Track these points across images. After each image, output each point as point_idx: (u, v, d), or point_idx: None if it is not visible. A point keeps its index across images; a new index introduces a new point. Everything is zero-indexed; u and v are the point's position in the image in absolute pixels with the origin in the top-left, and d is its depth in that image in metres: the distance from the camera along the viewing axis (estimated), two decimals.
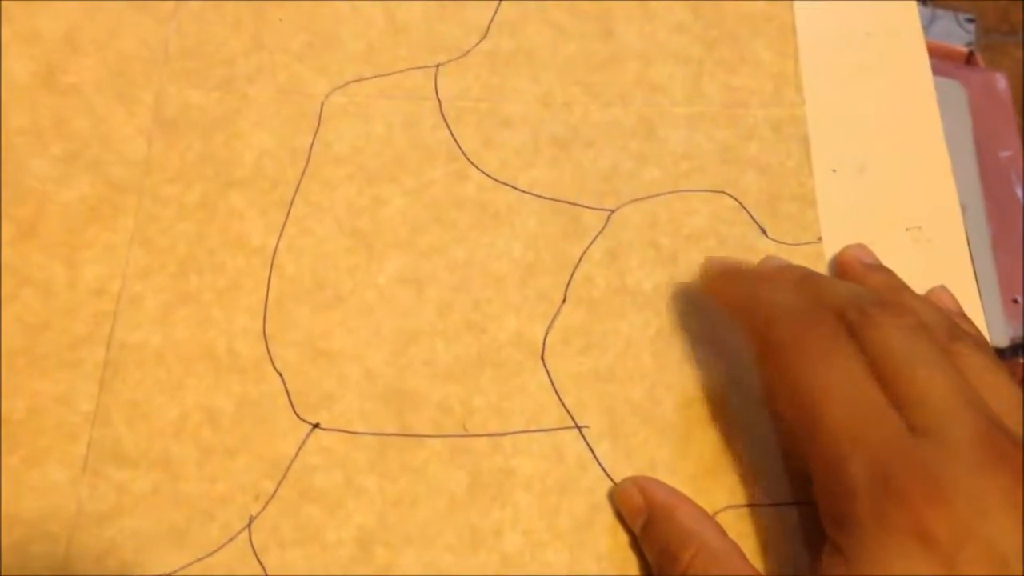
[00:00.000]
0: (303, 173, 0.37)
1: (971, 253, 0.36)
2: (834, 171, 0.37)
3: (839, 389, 0.27)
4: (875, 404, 0.27)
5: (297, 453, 0.32)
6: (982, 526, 0.24)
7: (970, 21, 1.26)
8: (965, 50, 1.10)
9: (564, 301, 0.35)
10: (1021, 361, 0.81)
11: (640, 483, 0.32)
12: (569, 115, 0.38)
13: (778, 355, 0.29)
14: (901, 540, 0.24)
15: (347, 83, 0.38)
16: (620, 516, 0.32)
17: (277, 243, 0.35)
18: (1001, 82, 1.02)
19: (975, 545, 0.24)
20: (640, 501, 0.31)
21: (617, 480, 0.32)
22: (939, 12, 1.26)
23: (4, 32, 0.39)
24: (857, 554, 0.25)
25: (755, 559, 0.31)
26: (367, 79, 0.38)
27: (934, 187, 0.37)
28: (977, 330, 0.32)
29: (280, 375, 0.33)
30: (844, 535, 0.26)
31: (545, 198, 0.36)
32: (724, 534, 0.30)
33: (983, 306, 0.35)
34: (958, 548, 0.24)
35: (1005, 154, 0.97)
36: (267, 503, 0.32)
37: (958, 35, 1.25)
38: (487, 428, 0.33)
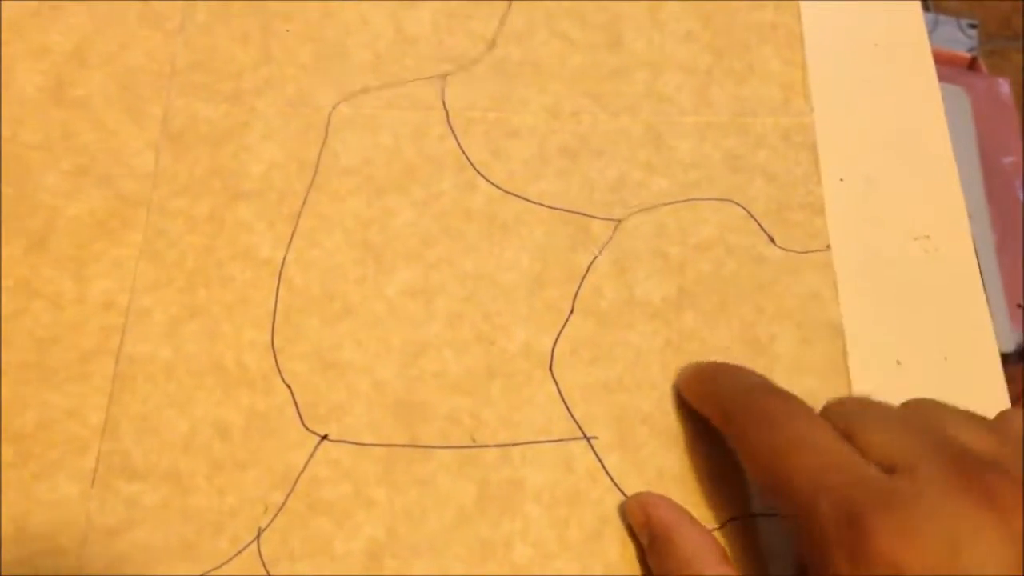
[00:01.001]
0: (311, 185, 0.37)
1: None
2: (842, 180, 0.37)
3: (802, 442, 0.27)
4: (840, 451, 0.27)
5: (306, 465, 0.32)
6: (955, 559, 0.24)
7: (972, 27, 1.26)
8: (968, 56, 1.10)
9: (572, 312, 0.35)
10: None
11: (643, 500, 0.31)
12: (577, 125, 0.38)
13: (739, 427, 0.30)
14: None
15: (354, 94, 0.38)
16: (630, 528, 0.32)
17: (285, 255, 0.35)
18: (1004, 87, 1.02)
19: None
20: (643, 519, 0.31)
21: (626, 491, 0.32)
22: (941, 18, 1.26)
23: (13, 47, 0.39)
24: None
25: (763, 570, 0.31)
26: (374, 90, 0.39)
27: (942, 196, 0.37)
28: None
29: (289, 387, 0.33)
30: (820, 573, 0.25)
31: (553, 208, 0.36)
32: (725, 558, 0.29)
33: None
34: None
35: (1008, 160, 0.97)
36: (276, 515, 0.32)
37: (960, 41, 1.25)
38: (496, 440, 0.33)
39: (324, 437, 0.33)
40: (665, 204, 0.37)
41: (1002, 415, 0.29)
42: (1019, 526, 0.24)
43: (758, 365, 0.34)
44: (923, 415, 0.28)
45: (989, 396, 0.33)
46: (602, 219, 0.36)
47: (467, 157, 0.37)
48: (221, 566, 0.31)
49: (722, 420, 0.31)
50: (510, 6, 0.40)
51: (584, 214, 0.36)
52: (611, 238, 0.36)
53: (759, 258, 0.36)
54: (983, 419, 0.28)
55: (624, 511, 0.32)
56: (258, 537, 0.31)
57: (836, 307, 0.35)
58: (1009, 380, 0.34)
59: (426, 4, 0.40)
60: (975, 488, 0.25)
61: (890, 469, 0.26)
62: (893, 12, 0.41)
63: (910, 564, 0.24)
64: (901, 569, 0.24)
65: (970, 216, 0.37)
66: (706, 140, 0.38)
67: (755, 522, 0.32)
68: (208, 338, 0.34)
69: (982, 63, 1.08)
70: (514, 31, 0.40)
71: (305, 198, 0.36)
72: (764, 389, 0.30)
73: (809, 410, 0.29)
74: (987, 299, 0.36)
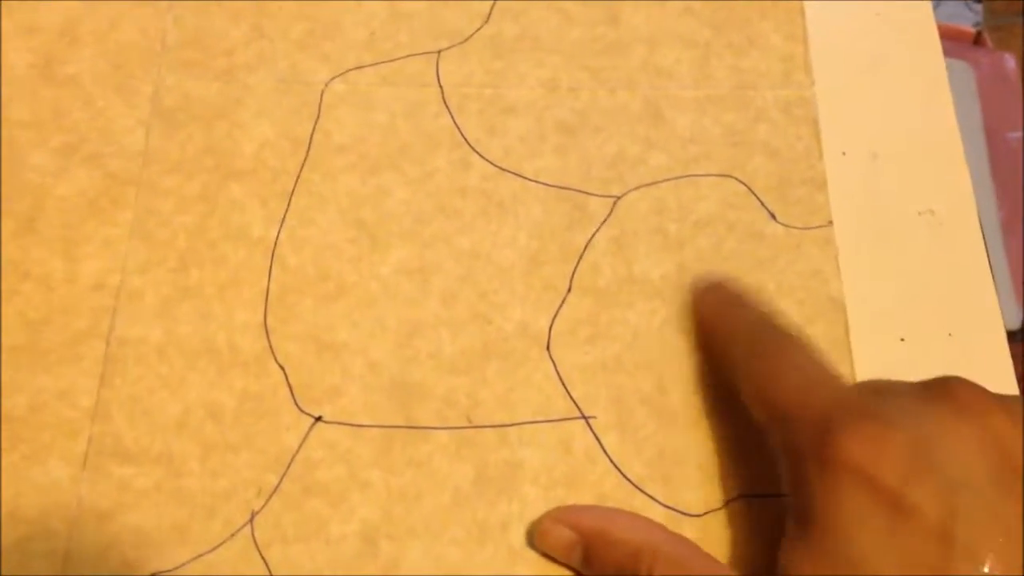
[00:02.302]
0: (304, 163, 0.36)
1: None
2: (844, 154, 0.36)
3: (792, 367, 0.28)
4: (825, 374, 0.28)
5: (300, 447, 0.32)
6: (924, 460, 0.23)
7: (977, 1, 1.25)
8: (973, 31, 1.09)
9: (570, 290, 0.34)
10: None
11: (559, 516, 0.30)
12: (574, 101, 0.37)
13: (739, 356, 0.30)
14: (846, 485, 0.24)
15: (348, 71, 0.38)
16: (629, 507, 0.31)
17: (278, 234, 0.35)
18: (1009, 63, 1.01)
19: (921, 479, 0.23)
20: (568, 535, 0.29)
21: (626, 472, 0.32)
22: None
23: (4, 24, 0.38)
24: (810, 513, 0.25)
25: (764, 549, 0.30)
26: (368, 66, 0.38)
27: (946, 170, 0.36)
28: None
29: (282, 368, 0.33)
30: (799, 498, 0.25)
31: (550, 185, 0.36)
32: (670, 532, 0.29)
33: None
34: (903, 483, 0.23)
35: (1014, 135, 0.96)
36: (270, 498, 0.31)
37: (965, 16, 1.24)
38: (493, 420, 0.32)
39: (318, 419, 0.32)
40: (664, 180, 0.36)
41: None
42: (992, 428, 0.24)
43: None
44: None
45: (995, 373, 0.33)
46: (600, 196, 0.36)
47: (462, 134, 0.37)
48: (214, 549, 0.31)
49: (723, 354, 0.31)
50: None
51: (582, 191, 0.36)
52: (609, 215, 0.35)
53: (760, 234, 0.35)
54: None
55: (538, 539, 0.30)
56: (251, 520, 0.31)
57: (838, 283, 0.34)
58: (1013, 357, 0.34)
59: None
60: (942, 396, 0.25)
61: (871, 389, 0.26)
62: None
63: (877, 467, 0.24)
64: (868, 472, 0.24)
65: (975, 192, 0.36)
66: (706, 115, 0.37)
67: (756, 503, 0.31)
68: (200, 319, 0.34)
69: (987, 38, 1.07)
70: (510, 5, 0.39)
71: (298, 176, 0.36)
72: (769, 324, 0.31)
73: (806, 344, 0.29)
74: (993, 276, 0.35)
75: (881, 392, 0.26)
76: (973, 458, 0.24)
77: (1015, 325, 0.83)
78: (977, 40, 1.06)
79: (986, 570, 0.22)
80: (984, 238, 0.35)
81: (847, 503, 0.24)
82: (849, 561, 0.23)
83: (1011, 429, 0.24)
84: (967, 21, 1.21)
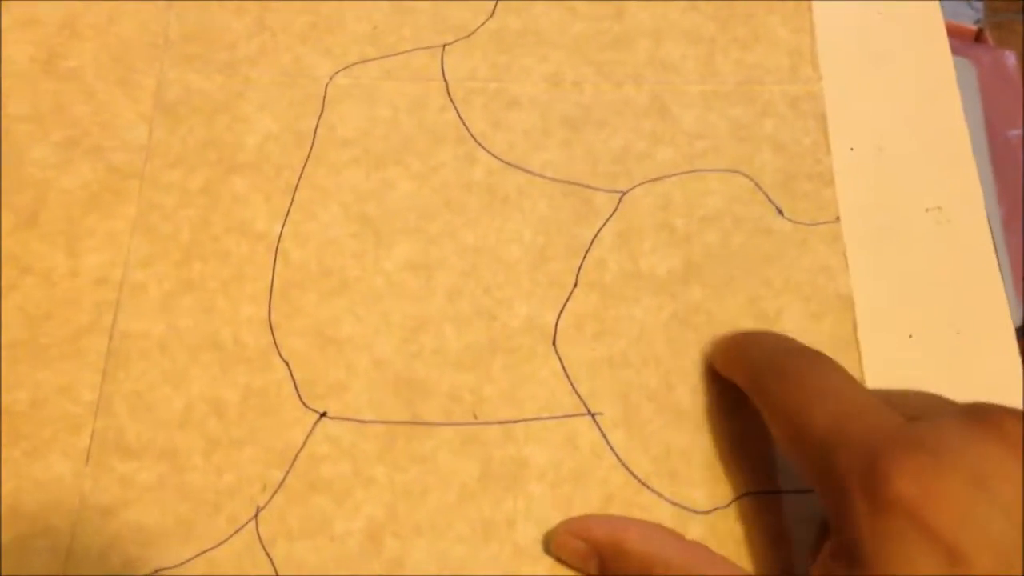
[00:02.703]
0: (308, 157, 0.36)
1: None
2: (852, 149, 0.36)
3: (823, 393, 0.27)
4: (860, 399, 0.26)
5: (304, 443, 0.32)
6: (979, 500, 0.23)
7: None
8: (974, 28, 1.09)
9: (576, 286, 0.34)
10: None
11: (573, 528, 0.30)
12: (580, 95, 0.37)
13: (763, 386, 0.29)
14: (899, 527, 0.23)
15: (351, 65, 0.37)
16: (635, 505, 0.31)
17: (282, 229, 0.35)
18: (1010, 60, 1.01)
19: (975, 525, 0.22)
20: (583, 547, 0.29)
21: (633, 469, 0.31)
22: None
23: (4, 18, 0.38)
24: (856, 550, 0.24)
25: (772, 546, 0.30)
26: (372, 60, 0.38)
27: (954, 166, 0.36)
28: None
29: (286, 364, 0.33)
30: (843, 532, 0.25)
31: (556, 180, 0.36)
32: (681, 539, 0.29)
33: None
34: (959, 529, 0.22)
35: (1014, 133, 0.96)
36: (274, 494, 0.31)
37: (966, 13, 1.23)
38: (498, 416, 0.32)
39: (323, 414, 0.32)
40: (671, 175, 0.36)
41: None
42: None
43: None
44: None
45: (1003, 370, 0.33)
46: (606, 191, 0.35)
47: (467, 128, 0.36)
48: (218, 545, 0.30)
49: (749, 382, 0.30)
50: None
51: (587, 186, 0.36)
52: (615, 210, 0.35)
53: (767, 230, 0.35)
54: None
55: (555, 549, 0.30)
56: (256, 516, 0.31)
57: (846, 280, 0.34)
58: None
59: None
60: (994, 430, 0.24)
61: (912, 415, 0.25)
62: None
63: (933, 507, 0.23)
64: (924, 513, 0.23)
65: None
66: (712, 109, 0.37)
67: (763, 499, 0.31)
68: (204, 313, 0.33)
69: (988, 35, 1.07)
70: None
71: (302, 170, 0.36)
72: (790, 348, 0.30)
73: (833, 364, 0.28)
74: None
75: (923, 418, 0.25)
76: (1022, 497, 0.23)
77: (1017, 322, 0.83)
78: (978, 38, 1.06)
79: None
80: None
81: (899, 545, 0.23)
82: None
83: None
84: (968, 19, 1.21)
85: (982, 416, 0.25)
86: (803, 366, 0.28)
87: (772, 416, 0.28)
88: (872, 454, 0.24)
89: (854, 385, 0.27)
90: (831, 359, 0.29)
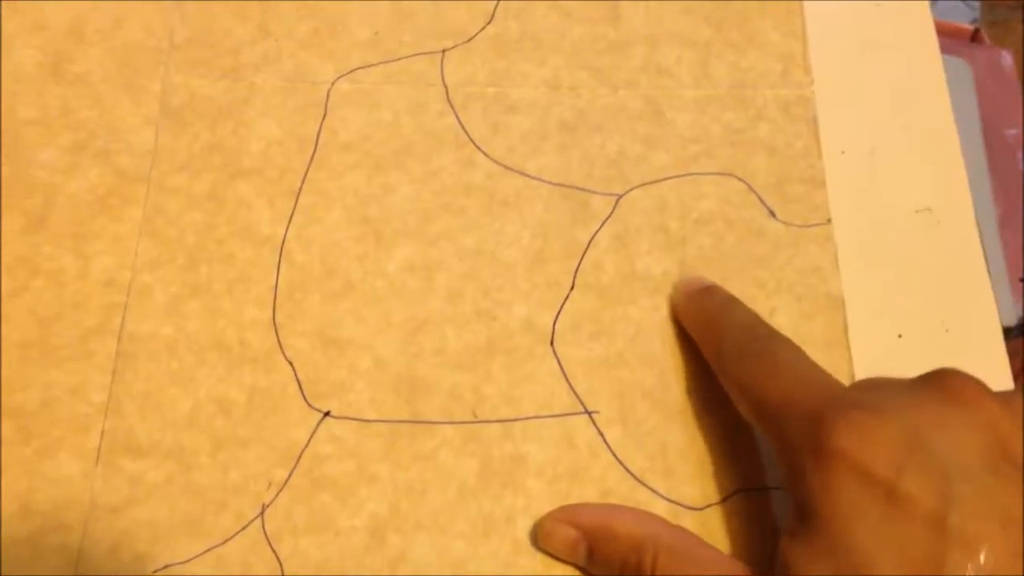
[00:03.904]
0: (311, 161, 0.37)
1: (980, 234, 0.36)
2: (843, 152, 0.37)
3: (779, 366, 0.28)
4: (811, 371, 0.28)
5: (309, 442, 0.32)
6: (917, 448, 0.24)
7: None
8: (970, 27, 1.09)
9: (573, 287, 0.35)
10: None
11: (562, 515, 0.31)
12: (576, 99, 0.38)
13: (728, 361, 0.30)
14: (840, 476, 0.24)
15: (353, 70, 0.38)
16: (631, 501, 0.32)
17: (286, 232, 0.35)
18: (1007, 59, 1.02)
19: (914, 467, 0.23)
20: (572, 533, 0.30)
21: (629, 466, 0.32)
22: None
23: (11, 23, 0.38)
24: (807, 506, 0.25)
25: (764, 541, 0.31)
26: (373, 65, 0.38)
27: (943, 169, 0.37)
28: None
29: (291, 364, 0.33)
30: (796, 493, 0.26)
31: (553, 184, 0.36)
32: (671, 525, 0.29)
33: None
34: (897, 472, 0.23)
35: (1011, 132, 0.96)
36: (279, 492, 0.32)
37: (962, 11, 1.24)
38: (497, 415, 0.33)
39: (327, 414, 0.33)
40: (665, 178, 0.36)
41: None
42: (985, 415, 0.24)
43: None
44: None
45: (991, 370, 0.33)
46: (602, 194, 0.36)
47: (466, 132, 0.37)
48: (225, 542, 0.31)
49: (714, 354, 0.32)
50: None
51: (584, 189, 0.36)
52: (612, 213, 0.36)
53: (760, 232, 0.36)
54: None
55: (542, 539, 0.31)
56: (262, 513, 0.31)
57: (837, 281, 0.35)
58: (1011, 354, 0.34)
59: None
60: (933, 386, 0.25)
61: (861, 385, 0.27)
62: None
63: (870, 457, 0.24)
64: (861, 462, 0.24)
65: (972, 189, 0.36)
66: (706, 114, 0.38)
67: (756, 496, 0.32)
68: (210, 315, 0.34)
69: (985, 34, 1.07)
70: (512, 5, 0.39)
71: (305, 174, 0.36)
72: (754, 328, 0.31)
73: (792, 344, 0.30)
74: (989, 273, 0.35)
75: (874, 387, 0.27)
76: (966, 445, 0.24)
77: (1012, 321, 0.83)
78: (975, 37, 1.06)
79: (981, 558, 0.22)
80: (981, 234, 0.36)
81: (842, 494, 0.24)
82: (846, 552, 0.24)
83: (1005, 416, 0.25)
84: (964, 17, 1.21)
85: (927, 377, 0.26)
86: (764, 344, 0.30)
87: (733, 389, 0.30)
88: (818, 413, 0.25)
89: (806, 361, 0.29)
90: (789, 340, 0.30)
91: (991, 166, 0.91)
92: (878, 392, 0.26)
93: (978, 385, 0.25)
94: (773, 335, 0.30)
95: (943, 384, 0.25)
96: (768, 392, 0.28)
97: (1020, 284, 0.84)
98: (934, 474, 0.23)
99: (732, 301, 0.33)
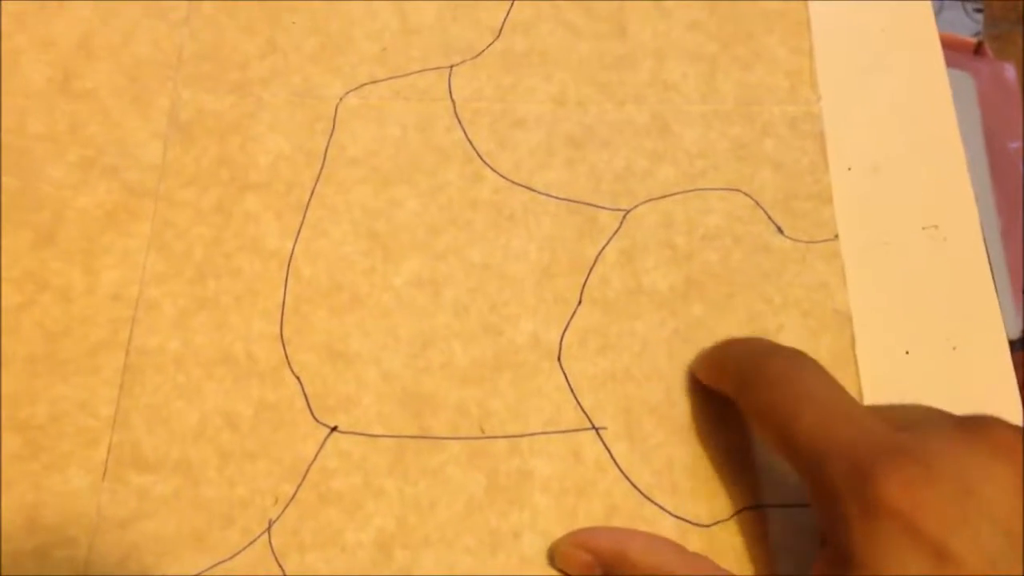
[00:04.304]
0: (318, 176, 0.37)
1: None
2: (849, 169, 0.37)
3: (809, 398, 0.27)
4: (846, 405, 0.27)
5: (316, 456, 0.32)
6: (967, 505, 0.24)
7: (978, 11, 1.25)
8: (974, 40, 1.09)
9: (580, 302, 0.35)
10: None
11: (577, 539, 0.31)
12: (583, 115, 0.38)
13: (749, 391, 0.29)
14: (889, 531, 0.24)
15: (361, 85, 0.38)
16: (638, 517, 0.32)
17: (293, 246, 0.35)
18: (1010, 72, 1.02)
19: (963, 527, 0.23)
20: (587, 557, 0.30)
21: (636, 482, 0.32)
22: (947, 3, 1.25)
23: (20, 38, 0.39)
24: (849, 554, 0.25)
25: (773, 560, 0.31)
26: (381, 81, 0.38)
27: (950, 185, 0.37)
28: None
29: (298, 379, 0.33)
30: (836, 537, 0.25)
31: (560, 199, 0.36)
32: (684, 551, 0.29)
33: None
34: (947, 532, 0.23)
35: (1014, 145, 0.96)
36: (286, 506, 0.32)
37: (965, 24, 1.24)
38: (504, 431, 0.33)
39: (334, 428, 0.33)
40: (672, 194, 0.37)
41: None
42: None
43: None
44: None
45: (997, 386, 0.33)
46: (609, 209, 0.36)
47: (474, 147, 0.37)
48: (232, 557, 0.31)
49: (734, 389, 0.31)
50: None
51: (591, 204, 0.36)
52: (619, 228, 0.36)
53: (766, 248, 0.36)
54: None
55: (558, 561, 0.31)
56: (269, 528, 0.31)
57: (844, 297, 0.35)
58: (1016, 367, 0.34)
59: None
60: (984, 439, 0.25)
61: (900, 425, 0.26)
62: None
63: (924, 512, 0.23)
64: (914, 517, 0.23)
65: (976, 202, 0.36)
66: (712, 129, 0.38)
67: (765, 513, 0.32)
68: (217, 329, 0.34)
69: (987, 47, 1.07)
70: (520, 21, 0.40)
71: (312, 189, 0.36)
72: (772, 351, 0.30)
73: (817, 366, 0.29)
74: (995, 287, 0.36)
75: (914, 428, 0.26)
76: (1012, 502, 0.24)
77: (1015, 334, 0.83)
78: (978, 50, 1.07)
79: None
80: (985, 247, 0.36)
81: (889, 549, 0.24)
82: None
83: None
84: (967, 30, 1.21)
85: (972, 426, 0.25)
86: (786, 369, 0.29)
87: (759, 421, 0.29)
88: (862, 463, 0.25)
89: (837, 390, 0.28)
90: (811, 359, 0.29)
91: (994, 178, 0.91)
92: (922, 437, 0.25)
93: (1020, 437, 0.25)
94: (793, 353, 0.30)
95: (987, 436, 0.25)
96: (798, 424, 0.27)
97: (1023, 296, 0.84)
98: (982, 535, 0.23)
99: (738, 338, 0.33)
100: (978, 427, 0.25)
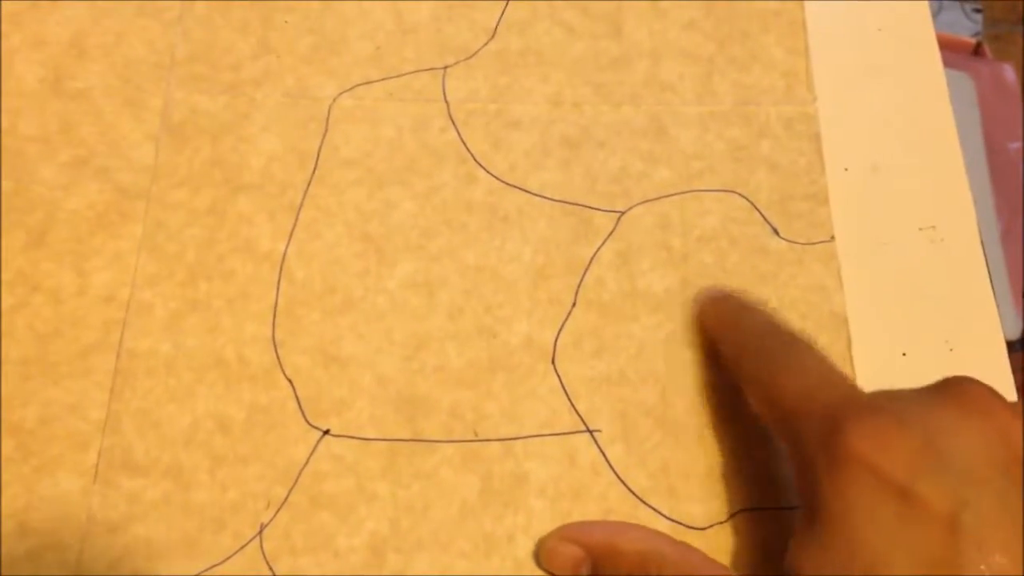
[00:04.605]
0: (312, 177, 0.36)
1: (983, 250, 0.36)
2: (846, 170, 0.37)
3: (794, 367, 0.28)
4: (829, 372, 0.28)
5: (308, 460, 0.32)
6: (934, 452, 0.24)
7: (977, 11, 1.25)
8: (973, 41, 1.09)
9: (575, 304, 0.35)
10: None
11: (567, 533, 0.30)
12: (579, 116, 0.38)
13: (745, 364, 0.30)
14: (855, 479, 0.24)
15: (355, 86, 0.38)
16: (633, 520, 0.31)
17: (286, 248, 0.35)
18: (1009, 73, 1.02)
19: (929, 471, 0.24)
20: (576, 551, 0.30)
21: (630, 485, 0.32)
22: (946, 3, 1.25)
23: (12, 38, 0.38)
24: (819, 507, 0.25)
25: (768, 562, 0.31)
26: (375, 82, 0.38)
27: (947, 186, 0.37)
28: None
29: (290, 382, 0.33)
30: (808, 494, 0.26)
31: (555, 200, 0.36)
32: (676, 542, 0.29)
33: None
34: (912, 476, 0.23)
35: (1013, 146, 0.96)
36: (278, 510, 0.31)
37: (965, 25, 1.24)
38: (499, 433, 0.33)
39: (326, 432, 0.33)
40: (668, 195, 0.36)
41: None
42: (998, 423, 0.25)
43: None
44: None
45: (995, 387, 0.33)
46: (605, 211, 0.36)
47: (468, 149, 0.37)
48: (223, 561, 0.31)
49: (731, 355, 0.31)
50: None
51: (586, 206, 0.36)
52: (614, 229, 0.36)
53: (763, 249, 0.36)
54: None
55: (545, 559, 0.30)
56: (260, 532, 0.31)
57: (841, 298, 0.35)
58: (1014, 369, 0.34)
59: None
60: (953, 396, 0.25)
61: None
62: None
63: (886, 460, 0.24)
64: (877, 465, 0.24)
65: (975, 202, 0.36)
66: (709, 130, 0.37)
67: (760, 516, 0.32)
68: (209, 332, 0.34)
69: (987, 48, 1.07)
70: (515, 21, 0.39)
71: (306, 190, 0.36)
72: (776, 328, 0.31)
73: (808, 343, 0.29)
74: (992, 286, 0.35)
75: (891, 395, 0.26)
76: (980, 452, 0.24)
77: (1015, 335, 0.83)
78: (977, 50, 1.07)
79: (995, 557, 0.23)
80: (984, 249, 0.36)
81: (856, 496, 0.24)
82: (859, 552, 0.24)
83: (1017, 424, 0.25)
84: (967, 31, 1.21)
85: (946, 385, 0.26)
86: (778, 345, 0.30)
87: (750, 392, 0.30)
88: (834, 416, 0.25)
89: (827, 363, 0.28)
90: (811, 344, 0.30)
91: (993, 179, 0.91)
92: (896, 396, 0.26)
93: (992, 394, 0.26)
94: (789, 336, 0.30)
95: (959, 393, 0.25)
96: (785, 390, 0.28)
97: (1022, 298, 0.84)
98: (949, 478, 0.23)
99: (755, 305, 0.33)
100: (948, 386, 0.26)
